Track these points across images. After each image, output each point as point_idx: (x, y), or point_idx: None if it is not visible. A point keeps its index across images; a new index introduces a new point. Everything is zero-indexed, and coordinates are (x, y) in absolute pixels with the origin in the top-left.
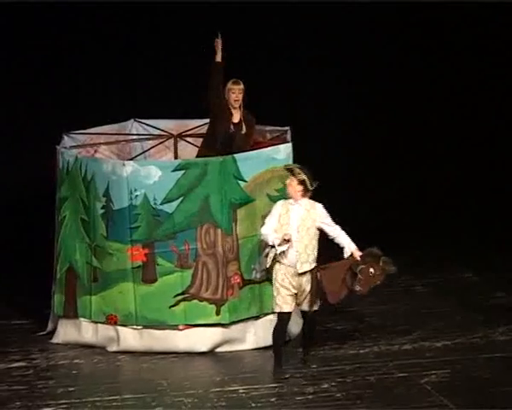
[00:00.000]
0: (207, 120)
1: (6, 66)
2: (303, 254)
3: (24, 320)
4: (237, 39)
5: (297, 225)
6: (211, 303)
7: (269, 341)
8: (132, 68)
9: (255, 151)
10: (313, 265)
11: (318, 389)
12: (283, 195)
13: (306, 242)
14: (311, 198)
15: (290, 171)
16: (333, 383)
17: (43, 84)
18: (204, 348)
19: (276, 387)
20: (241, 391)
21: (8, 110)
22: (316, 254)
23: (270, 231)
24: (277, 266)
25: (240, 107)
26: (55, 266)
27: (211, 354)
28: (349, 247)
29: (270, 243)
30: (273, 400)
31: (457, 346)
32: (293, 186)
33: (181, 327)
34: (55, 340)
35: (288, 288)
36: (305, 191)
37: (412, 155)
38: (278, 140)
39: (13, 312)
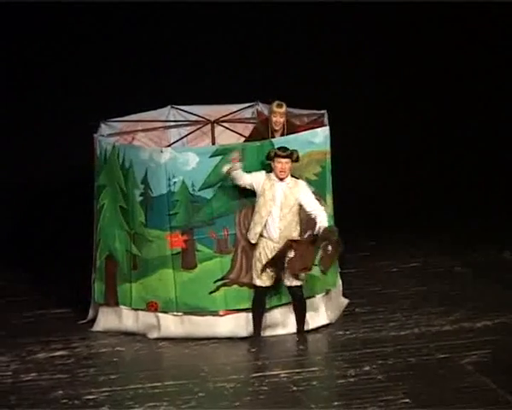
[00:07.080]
0: (244, 105)
1: (44, 52)
2: (285, 231)
3: (64, 309)
4: (273, 27)
5: (280, 202)
6: (251, 288)
7: (311, 324)
8: (169, 55)
9: (293, 135)
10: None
11: (360, 372)
12: (322, 178)
13: (289, 219)
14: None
15: (286, 151)
16: (374, 366)
17: (81, 72)
18: (245, 333)
19: (317, 371)
20: (282, 375)
21: (45, 98)
22: (299, 228)
23: (242, 175)
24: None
25: (282, 127)
26: (94, 254)
27: (252, 338)
28: (319, 225)
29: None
30: (315, 383)
31: (498, 326)
32: (286, 165)
33: (221, 313)
34: (95, 328)
35: (263, 262)
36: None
37: (445, 135)
38: (316, 124)
39: (53, 301)
